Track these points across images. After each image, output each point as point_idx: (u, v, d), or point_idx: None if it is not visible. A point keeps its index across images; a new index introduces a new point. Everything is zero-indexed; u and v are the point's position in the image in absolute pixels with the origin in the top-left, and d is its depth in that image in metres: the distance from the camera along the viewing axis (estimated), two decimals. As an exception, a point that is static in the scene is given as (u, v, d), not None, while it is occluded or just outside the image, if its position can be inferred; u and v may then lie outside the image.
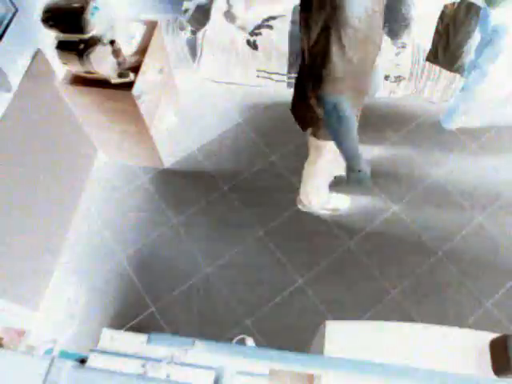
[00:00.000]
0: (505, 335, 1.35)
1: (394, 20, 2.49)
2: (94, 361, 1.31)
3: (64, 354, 1.81)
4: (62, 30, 1.97)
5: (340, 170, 2.26)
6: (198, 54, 2.88)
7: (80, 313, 2.32)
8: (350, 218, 2.54)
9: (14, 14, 1.95)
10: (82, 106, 2.35)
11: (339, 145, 1.50)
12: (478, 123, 2.79)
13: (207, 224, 2.56)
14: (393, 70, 2.69)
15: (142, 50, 2.28)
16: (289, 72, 2.81)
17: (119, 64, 2.15)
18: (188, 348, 0.88)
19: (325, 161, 2.00)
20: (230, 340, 1.29)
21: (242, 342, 1.32)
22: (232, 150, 2.79)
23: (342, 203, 2.54)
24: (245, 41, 2.79)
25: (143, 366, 0.95)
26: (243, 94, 2.99)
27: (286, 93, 2.28)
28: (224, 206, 2.60)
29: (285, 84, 2.89)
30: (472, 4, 2.28)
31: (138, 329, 2.25)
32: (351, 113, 1.40)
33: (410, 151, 2.74)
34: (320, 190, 2.35)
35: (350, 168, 1.58)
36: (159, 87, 2.59)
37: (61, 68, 2.20)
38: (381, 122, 2.85)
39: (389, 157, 2.73)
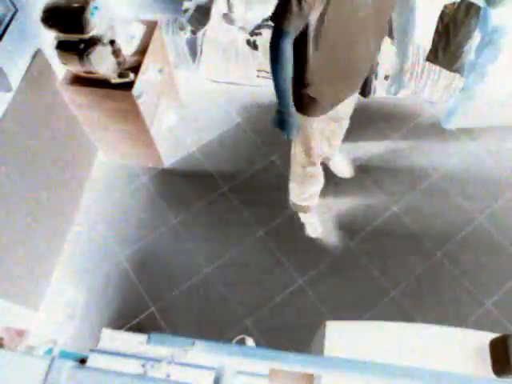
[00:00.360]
0: (505, 335, 1.34)
1: (395, 20, 2.48)
2: (94, 361, 1.31)
3: (64, 354, 1.81)
4: (62, 30, 1.97)
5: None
6: (198, 53, 2.88)
7: (80, 313, 2.32)
8: (350, 218, 2.53)
9: (14, 14, 1.95)
10: (81, 106, 2.35)
11: (272, 79, 1.60)
12: (478, 123, 2.79)
13: (207, 224, 2.56)
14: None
15: (142, 50, 2.28)
16: (289, 72, 2.81)
17: (119, 64, 2.15)
18: (188, 348, 0.87)
19: (297, 149, 2.04)
20: (230, 340, 1.29)
21: (242, 341, 1.32)
22: (232, 150, 2.79)
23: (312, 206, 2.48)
24: (245, 41, 2.79)
25: (143, 365, 0.95)
26: (243, 94, 2.99)
27: (286, 93, 2.28)
28: (224, 205, 2.60)
29: (285, 84, 2.88)
30: (472, 4, 2.28)
31: (138, 329, 2.25)
32: (289, 55, 1.51)
33: (410, 151, 2.74)
34: (294, 183, 2.29)
35: (277, 106, 1.69)
36: (159, 87, 2.59)
37: (61, 68, 2.20)
38: (381, 121, 2.85)
39: (389, 156, 2.73)
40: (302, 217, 2.50)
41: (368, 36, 1.59)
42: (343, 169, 2.64)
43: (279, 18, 1.46)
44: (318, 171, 2.20)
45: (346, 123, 2.31)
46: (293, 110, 1.68)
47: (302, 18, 1.44)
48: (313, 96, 1.74)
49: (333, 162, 2.64)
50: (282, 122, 1.71)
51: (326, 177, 2.61)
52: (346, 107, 2.01)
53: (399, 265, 2.38)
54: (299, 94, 1.73)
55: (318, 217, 2.51)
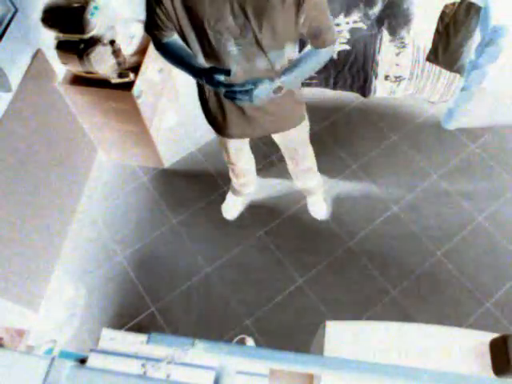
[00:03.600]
0: (505, 335, 1.34)
1: (394, 16, 2.48)
2: (94, 361, 1.31)
3: (64, 354, 1.81)
4: (62, 30, 1.98)
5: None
6: (198, 53, 2.87)
7: (80, 313, 2.32)
8: (350, 218, 2.54)
9: (13, 14, 1.95)
10: (81, 106, 2.35)
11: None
12: (478, 123, 2.79)
13: (207, 224, 2.56)
14: (393, 70, 2.69)
15: (142, 50, 2.28)
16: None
17: (119, 64, 2.15)
18: (188, 348, 0.87)
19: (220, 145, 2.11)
20: (230, 340, 1.29)
21: (242, 342, 1.32)
22: (232, 150, 2.78)
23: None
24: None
25: (143, 365, 0.95)
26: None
27: (286, 93, 2.28)
28: (224, 205, 2.60)
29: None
30: (472, 4, 2.28)
31: (138, 329, 2.25)
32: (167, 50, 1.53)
33: (410, 151, 2.74)
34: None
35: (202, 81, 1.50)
36: (159, 87, 2.59)
37: (61, 68, 2.20)
38: (381, 121, 2.85)
39: (389, 156, 2.73)
40: (229, 194, 2.56)
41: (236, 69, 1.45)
42: (316, 211, 2.54)
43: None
44: (238, 170, 2.25)
45: (287, 161, 2.24)
46: (202, 67, 1.47)
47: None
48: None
49: (308, 200, 2.55)
50: (212, 82, 1.42)
51: (326, 177, 2.62)
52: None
53: (399, 265, 2.38)
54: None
55: (241, 205, 2.58)
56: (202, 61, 1.49)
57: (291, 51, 1.51)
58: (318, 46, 1.50)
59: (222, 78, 1.38)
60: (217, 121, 1.76)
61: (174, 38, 1.52)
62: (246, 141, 2.07)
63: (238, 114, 1.66)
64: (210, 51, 1.43)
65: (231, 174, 2.36)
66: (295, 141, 2.01)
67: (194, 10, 1.31)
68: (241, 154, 2.13)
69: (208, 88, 1.57)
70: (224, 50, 1.40)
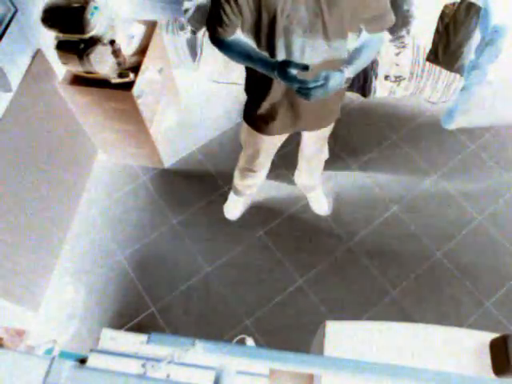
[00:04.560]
0: (505, 335, 1.34)
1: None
2: (94, 361, 1.31)
3: (64, 354, 1.81)
4: (62, 30, 1.98)
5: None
6: (198, 53, 2.88)
7: (80, 313, 2.32)
8: (350, 218, 2.54)
9: (13, 14, 1.95)
10: (81, 106, 2.35)
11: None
12: (478, 123, 2.79)
13: (207, 224, 2.56)
14: (393, 70, 2.69)
15: (142, 50, 2.28)
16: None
17: (119, 64, 2.15)
18: (188, 348, 0.87)
19: (243, 152, 2.09)
20: (230, 340, 1.29)
21: (242, 342, 1.32)
22: (232, 150, 2.78)
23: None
24: (245, 41, 2.79)
25: (143, 365, 0.95)
26: (243, 94, 2.98)
27: (286, 93, 2.27)
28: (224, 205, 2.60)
29: (285, 84, 2.88)
30: (472, 4, 2.28)
31: (138, 329, 2.25)
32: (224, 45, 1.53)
33: (410, 151, 2.74)
34: (236, 171, 2.32)
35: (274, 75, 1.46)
36: (159, 87, 2.59)
37: (61, 68, 2.20)
38: (381, 121, 2.85)
39: (389, 157, 2.73)
40: (230, 195, 2.55)
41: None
42: (318, 207, 2.55)
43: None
44: (256, 176, 2.22)
45: (307, 152, 2.22)
46: (275, 61, 1.44)
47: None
48: (264, 114, 1.69)
49: (309, 197, 2.56)
50: (286, 77, 1.37)
51: (326, 177, 2.62)
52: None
53: (399, 265, 2.38)
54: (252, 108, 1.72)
55: (243, 205, 2.56)
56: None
57: (353, 41, 1.51)
58: (376, 30, 1.50)
59: (294, 72, 1.35)
60: (267, 118, 1.72)
61: (236, 35, 1.51)
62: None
63: (289, 111, 1.66)
64: (274, 45, 1.42)
65: (237, 175, 2.33)
66: (324, 136, 2.02)
67: (267, 2, 1.32)
68: (269, 160, 2.12)
69: (277, 83, 1.50)
70: (289, 43, 1.40)
